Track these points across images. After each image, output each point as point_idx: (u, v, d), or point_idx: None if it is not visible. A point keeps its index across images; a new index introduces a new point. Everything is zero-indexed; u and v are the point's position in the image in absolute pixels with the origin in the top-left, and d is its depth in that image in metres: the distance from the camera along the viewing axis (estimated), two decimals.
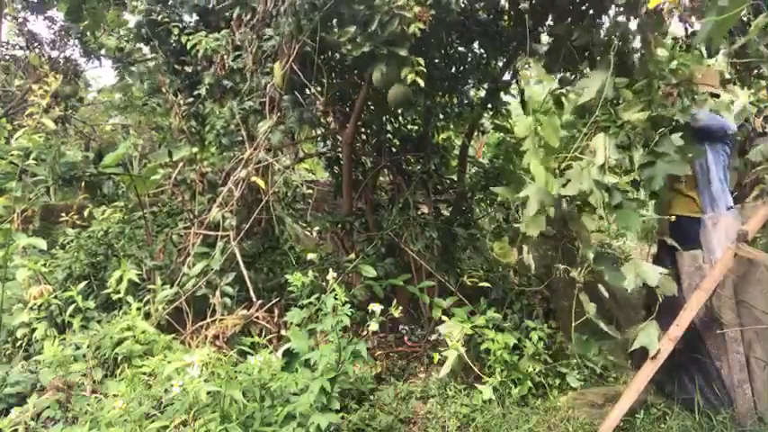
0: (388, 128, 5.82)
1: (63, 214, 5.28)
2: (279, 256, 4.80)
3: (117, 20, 6.22)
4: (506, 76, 5.60)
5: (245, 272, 4.06)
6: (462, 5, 4.22)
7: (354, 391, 3.64)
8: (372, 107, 5.71)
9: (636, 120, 3.28)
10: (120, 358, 3.39)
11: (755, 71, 4.48)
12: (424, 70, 3.76)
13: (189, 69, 5.06)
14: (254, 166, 4.15)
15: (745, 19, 3.46)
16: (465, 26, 5.09)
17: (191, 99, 4.91)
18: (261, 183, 4.10)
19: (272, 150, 4.36)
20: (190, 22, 5.21)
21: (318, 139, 6.20)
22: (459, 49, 5.46)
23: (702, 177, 3.81)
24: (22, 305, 4.05)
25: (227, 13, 4.66)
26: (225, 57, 4.52)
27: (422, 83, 3.74)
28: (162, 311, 3.89)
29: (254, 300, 3.99)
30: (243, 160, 4.22)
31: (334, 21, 4.15)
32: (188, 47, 4.58)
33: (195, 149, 4.58)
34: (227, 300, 3.99)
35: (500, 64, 5.62)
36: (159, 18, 4.81)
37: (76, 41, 7.17)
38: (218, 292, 3.98)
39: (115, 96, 9.60)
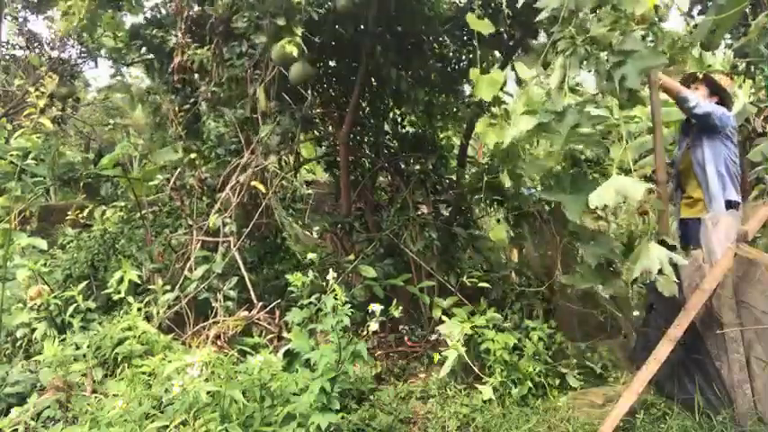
0: (386, 128, 5.82)
1: (68, 213, 5.29)
2: (279, 259, 4.80)
3: (113, 21, 6.22)
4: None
5: (246, 275, 4.06)
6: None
7: (354, 391, 3.63)
8: (369, 108, 5.72)
9: (600, 34, 3.12)
10: (120, 358, 3.39)
11: (754, 68, 4.48)
12: (300, 41, 3.73)
13: (183, 78, 5.06)
14: (252, 170, 4.15)
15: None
16: (460, 24, 5.09)
17: (186, 106, 4.91)
18: (261, 187, 4.10)
19: (270, 154, 4.36)
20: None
21: (316, 141, 6.20)
22: (455, 47, 5.47)
23: (702, 176, 3.81)
24: (21, 305, 4.05)
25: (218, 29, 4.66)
26: (216, 68, 4.52)
27: (294, 51, 3.69)
28: (163, 315, 3.89)
29: (255, 302, 3.99)
30: (240, 166, 4.23)
31: None
32: (183, 58, 4.59)
33: (193, 155, 4.58)
34: (229, 303, 3.99)
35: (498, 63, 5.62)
36: (153, 33, 4.82)
37: (75, 41, 7.17)
38: (219, 296, 3.98)
39: (115, 96, 9.60)
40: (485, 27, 3.57)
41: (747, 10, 3.89)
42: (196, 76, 4.62)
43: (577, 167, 4.20)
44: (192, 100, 4.85)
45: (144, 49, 5.14)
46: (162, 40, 4.86)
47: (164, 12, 5.20)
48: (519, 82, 5.96)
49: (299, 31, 3.75)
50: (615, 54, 3.07)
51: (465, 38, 5.33)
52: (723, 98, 3.90)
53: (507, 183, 3.81)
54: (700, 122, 3.73)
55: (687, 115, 3.79)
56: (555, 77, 3.16)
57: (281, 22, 3.72)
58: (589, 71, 3.19)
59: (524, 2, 4.69)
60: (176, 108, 4.83)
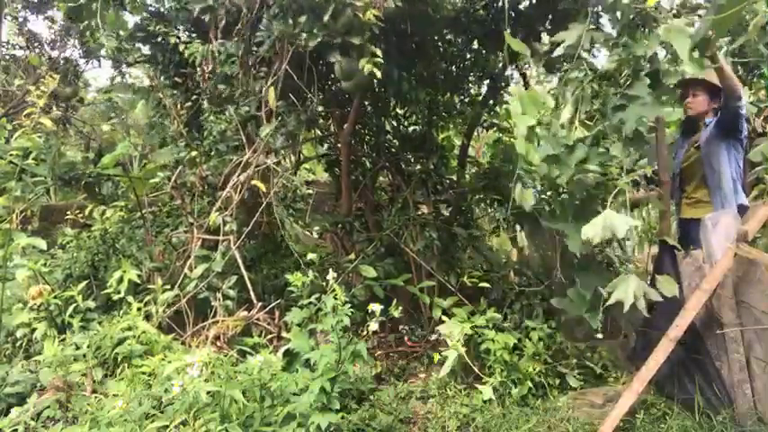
0: (387, 128, 5.82)
1: (68, 213, 5.29)
2: (279, 258, 4.80)
3: (114, 20, 6.21)
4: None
5: (245, 274, 4.06)
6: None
7: (354, 391, 3.64)
8: (371, 107, 5.71)
9: (610, 69, 3.19)
10: (120, 358, 3.40)
11: (755, 71, 4.48)
12: (381, 60, 3.76)
13: (186, 73, 5.04)
14: (253, 170, 4.15)
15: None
16: (464, 25, 5.09)
17: (189, 103, 4.90)
18: (261, 186, 4.10)
19: (272, 153, 4.35)
20: (185, 32, 5.20)
21: (317, 140, 6.20)
22: (459, 47, 5.47)
23: (713, 178, 3.78)
24: (21, 305, 4.05)
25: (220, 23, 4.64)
26: (218, 64, 4.50)
27: (378, 74, 3.73)
28: (163, 314, 3.89)
29: (255, 302, 3.99)
30: (242, 164, 4.22)
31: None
32: (185, 54, 4.58)
33: (195, 153, 4.58)
34: (229, 302, 3.99)
35: (500, 63, 5.62)
36: (156, 28, 4.81)
37: (76, 41, 7.17)
38: (219, 295, 3.98)
39: (117, 96, 9.60)
40: (521, 47, 3.58)
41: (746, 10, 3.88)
42: (198, 71, 4.60)
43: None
44: (194, 97, 4.84)
45: (146, 44, 5.12)
46: (165, 35, 4.85)
47: (167, 6, 5.17)
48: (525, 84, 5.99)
49: (378, 51, 3.78)
50: (620, 97, 3.12)
51: (468, 38, 5.33)
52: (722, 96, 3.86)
53: (530, 201, 3.81)
54: (733, 122, 3.63)
55: (730, 111, 3.62)
56: (566, 112, 3.23)
57: (356, 41, 3.74)
58: (597, 109, 3.24)
59: (527, 4, 4.70)
60: (178, 103, 4.82)
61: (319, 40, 3.85)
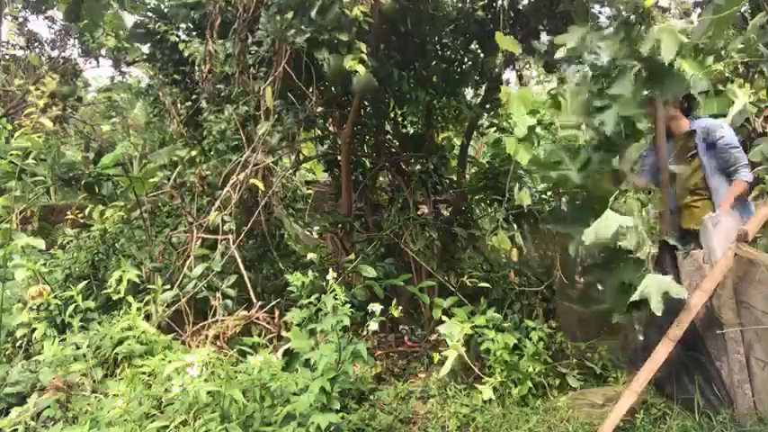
0: (387, 128, 5.82)
1: (68, 213, 5.29)
2: (279, 258, 4.80)
3: (114, 21, 6.22)
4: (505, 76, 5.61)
5: (245, 274, 4.06)
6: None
7: (354, 391, 3.64)
8: (370, 108, 5.72)
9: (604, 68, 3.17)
10: (120, 358, 3.39)
11: (754, 69, 4.47)
12: (365, 58, 3.78)
13: (185, 72, 5.04)
14: (252, 169, 4.15)
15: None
16: (463, 25, 5.10)
17: (189, 102, 4.90)
18: (260, 185, 4.10)
19: (271, 152, 4.35)
20: (185, 31, 5.20)
21: (317, 140, 6.20)
22: (458, 48, 5.47)
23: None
24: (21, 305, 4.05)
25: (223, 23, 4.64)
26: (214, 64, 4.51)
27: (362, 70, 3.73)
28: (162, 313, 3.88)
29: (255, 301, 3.99)
30: (241, 163, 4.22)
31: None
32: (185, 54, 4.58)
33: (194, 152, 4.58)
34: (228, 302, 3.99)
35: (499, 64, 5.61)
36: (156, 27, 4.80)
37: (76, 41, 7.17)
38: (218, 295, 3.98)
39: (116, 96, 9.59)
40: (513, 46, 3.58)
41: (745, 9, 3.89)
42: (197, 70, 4.60)
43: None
44: (193, 96, 4.84)
45: (145, 42, 5.12)
46: (164, 34, 4.85)
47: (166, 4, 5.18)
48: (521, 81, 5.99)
49: (363, 47, 3.79)
50: (602, 98, 3.05)
51: (468, 39, 5.33)
52: (688, 100, 3.89)
53: (527, 201, 3.80)
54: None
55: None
56: (564, 115, 3.22)
57: (344, 37, 3.76)
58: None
59: (526, 4, 4.71)
60: (177, 102, 4.82)
61: (307, 36, 3.84)
